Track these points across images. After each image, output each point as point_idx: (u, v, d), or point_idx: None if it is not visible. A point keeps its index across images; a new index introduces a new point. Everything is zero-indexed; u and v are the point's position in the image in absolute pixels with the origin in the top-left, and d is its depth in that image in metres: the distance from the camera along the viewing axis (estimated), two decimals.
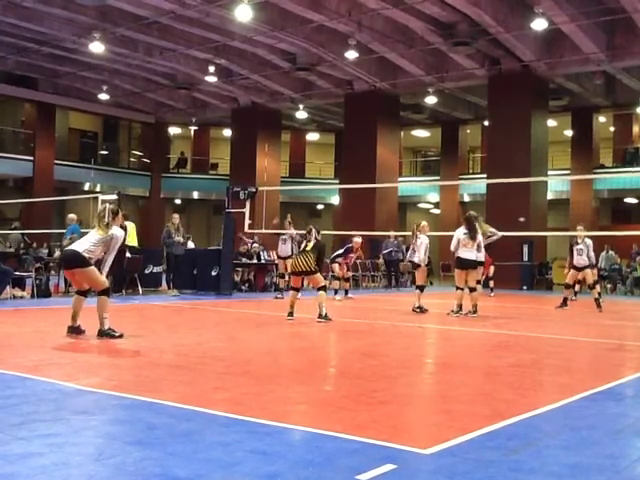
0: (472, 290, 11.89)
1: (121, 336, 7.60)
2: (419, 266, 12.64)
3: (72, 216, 16.51)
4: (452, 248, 12.04)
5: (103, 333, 7.60)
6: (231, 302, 14.05)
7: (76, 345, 7.29)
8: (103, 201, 14.37)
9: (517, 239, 21.41)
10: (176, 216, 16.50)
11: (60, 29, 21.81)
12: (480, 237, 12.06)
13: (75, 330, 7.76)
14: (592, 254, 13.64)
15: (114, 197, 18.09)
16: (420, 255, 12.51)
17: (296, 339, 8.73)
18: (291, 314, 10.35)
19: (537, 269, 23.49)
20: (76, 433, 3.84)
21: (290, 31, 20.79)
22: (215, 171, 35.67)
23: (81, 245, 7.71)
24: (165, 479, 3.12)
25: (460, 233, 11.96)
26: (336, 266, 16.27)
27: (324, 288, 10.65)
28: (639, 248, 22.94)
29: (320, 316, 10.21)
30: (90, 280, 7.74)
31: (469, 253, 11.84)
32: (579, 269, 13.66)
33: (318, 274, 10.51)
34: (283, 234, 15.38)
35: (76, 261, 7.62)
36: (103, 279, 7.73)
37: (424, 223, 12.82)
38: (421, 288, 12.50)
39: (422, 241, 12.51)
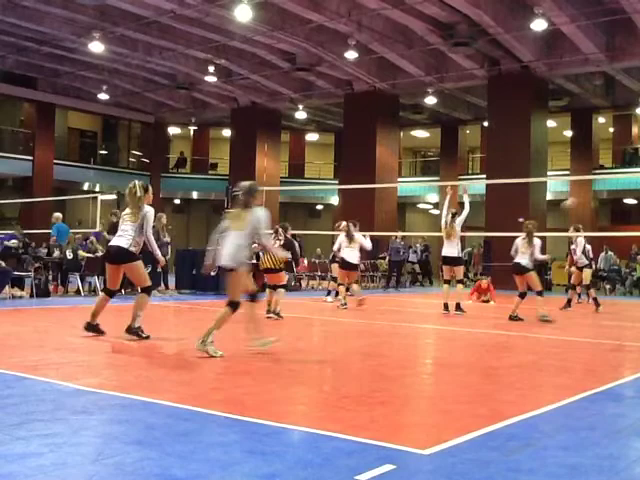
0: (460, 282, 12.41)
1: (148, 337, 7.54)
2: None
3: (57, 215, 16.50)
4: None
5: (132, 330, 7.55)
6: None
7: (75, 345, 7.29)
8: (102, 200, 14.39)
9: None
10: (162, 215, 16.26)
11: (60, 28, 21.79)
12: (457, 230, 12.42)
13: (93, 328, 7.69)
14: (579, 252, 13.69)
15: (113, 197, 18.07)
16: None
17: (295, 339, 8.72)
18: (269, 311, 10.54)
19: (536, 269, 23.44)
20: (75, 433, 3.84)
21: (290, 31, 20.78)
22: (214, 171, 35.66)
23: (122, 240, 7.57)
24: (164, 479, 3.12)
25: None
26: (335, 266, 16.05)
27: (284, 287, 10.85)
28: (638, 249, 22.94)
29: (270, 311, 10.48)
30: (136, 275, 7.73)
31: (451, 249, 12.21)
32: (580, 268, 13.76)
33: (282, 273, 10.65)
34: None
35: (123, 256, 7.53)
36: (147, 276, 7.71)
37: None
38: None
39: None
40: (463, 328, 10.30)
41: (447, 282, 12.60)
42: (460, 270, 12.54)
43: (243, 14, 18.23)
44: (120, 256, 7.56)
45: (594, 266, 16.87)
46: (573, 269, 14.41)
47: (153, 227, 16.20)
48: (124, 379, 5.51)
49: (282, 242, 10.76)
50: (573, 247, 13.78)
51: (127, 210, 7.76)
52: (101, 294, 7.96)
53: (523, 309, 11.20)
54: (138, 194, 7.69)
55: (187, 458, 3.40)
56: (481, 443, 3.82)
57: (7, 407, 4.37)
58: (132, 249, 7.52)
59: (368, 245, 13.41)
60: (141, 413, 4.35)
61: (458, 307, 12.09)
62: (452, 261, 12.32)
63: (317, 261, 21.17)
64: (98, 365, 6.28)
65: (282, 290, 10.71)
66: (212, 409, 4.39)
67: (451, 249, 12.21)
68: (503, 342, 8.86)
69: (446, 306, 12.13)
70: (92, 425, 4.07)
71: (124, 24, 21.02)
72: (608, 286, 22.12)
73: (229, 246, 6.71)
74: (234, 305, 6.71)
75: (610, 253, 22.05)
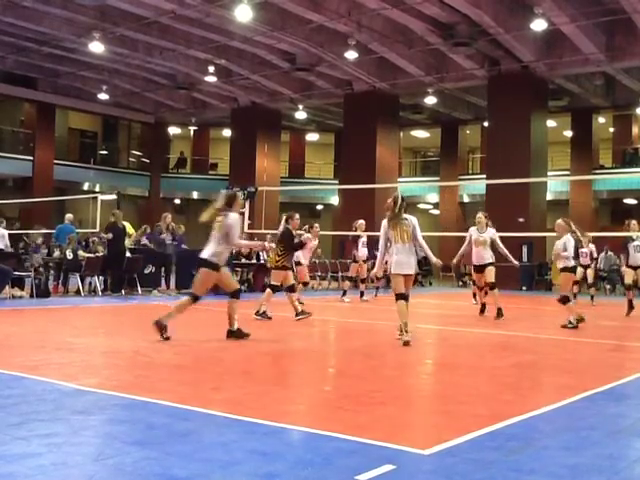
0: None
1: (248, 335, 7.78)
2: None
3: (69, 216, 16.49)
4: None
5: (232, 334, 7.76)
6: None
7: (75, 345, 7.28)
8: (102, 200, 14.39)
9: (516, 240, 21.40)
10: (167, 215, 16.23)
11: (60, 29, 21.80)
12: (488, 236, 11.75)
13: (235, 334, 7.85)
14: None
15: (113, 197, 18.07)
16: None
17: (295, 339, 8.71)
18: (297, 313, 10.36)
19: (536, 270, 23.49)
20: (75, 433, 3.83)
21: (290, 31, 20.79)
22: (215, 171, 35.65)
23: (205, 251, 7.82)
24: (164, 479, 3.11)
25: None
26: (354, 266, 15.72)
27: (272, 287, 10.52)
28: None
29: (257, 312, 10.34)
30: (197, 279, 7.89)
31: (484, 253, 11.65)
32: (635, 268, 13.19)
33: (277, 271, 10.48)
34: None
35: (199, 263, 7.85)
36: (233, 281, 8.02)
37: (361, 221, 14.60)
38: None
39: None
40: (463, 328, 10.29)
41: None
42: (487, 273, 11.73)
43: (243, 14, 18.24)
44: (200, 264, 7.85)
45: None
46: (624, 268, 13.70)
47: (157, 226, 16.24)
48: (124, 379, 5.50)
49: (280, 231, 10.73)
50: (637, 243, 12.90)
51: (217, 219, 7.93)
52: (230, 299, 8.07)
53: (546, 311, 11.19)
54: (217, 205, 7.96)
55: (187, 458, 3.40)
56: (481, 443, 3.82)
57: (7, 407, 4.37)
58: (212, 259, 7.74)
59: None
60: (141, 413, 4.35)
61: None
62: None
63: (317, 261, 21.17)
64: (98, 365, 6.28)
65: (268, 290, 10.51)
66: (212, 409, 4.39)
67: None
68: (503, 342, 8.86)
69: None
70: (92, 425, 4.06)
71: (124, 24, 21.03)
72: (608, 286, 22.12)
73: (404, 257, 8.03)
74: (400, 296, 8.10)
75: (610, 253, 22.02)
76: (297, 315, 10.30)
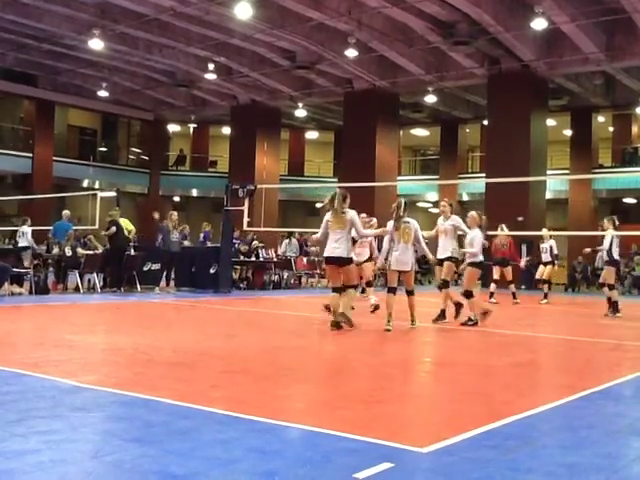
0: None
1: (351, 325, 8.79)
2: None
3: (66, 212, 16.51)
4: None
5: (335, 323, 8.75)
6: (229, 300, 14.04)
7: (74, 342, 7.28)
8: (101, 197, 14.30)
9: (516, 239, 21.39)
10: (173, 213, 16.32)
11: (60, 26, 21.79)
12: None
13: (337, 325, 8.79)
14: (615, 249, 12.47)
15: (113, 194, 18.07)
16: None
17: (294, 337, 8.72)
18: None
19: (536, 269, 23.45)
20: (74, 430, 3.84)
21: (290, 29, 20.78)
22: (214, 169, 35.65)
23: (339, 250, 8.76)
24: (163, 476, 3.12)
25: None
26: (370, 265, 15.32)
27: (354, 287, 9.69)
28: (637, 248, 22.94)
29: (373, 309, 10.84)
30: (348, 275, 8.91)
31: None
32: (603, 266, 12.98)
33: (354, 268, 9.63)
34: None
35: (343, 262, 8.82)
36: (355, 277, 9.17)
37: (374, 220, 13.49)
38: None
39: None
40: (462, 327, 10.28)
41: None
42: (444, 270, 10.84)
43: (243, 12, 18.24)
44: (340, 262, 8.84)
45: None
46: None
47: (164, 224, 16.31)
48: (123, 376, 5.50)
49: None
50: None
51: (332, 219, 8.93)
52: (331, 293, 9.12)
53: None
54: (343, 204, 8.96)
55: (186, 455, 3.40)
56: (479, 442, 3.82)
57: (6, 404, 4.37)
58: (350, 255, 8.90)
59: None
60: (140, 410, 4.35)
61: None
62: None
63: (316, 259, 21.19)
64: (97, 362, 6.28)
65: (351, 290, 9.39)
66: (211, 406, 4.39)
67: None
68: (502, 341, 8.87)
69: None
70: (91, 422, 4.07)
71: (124, 22, 21.03)
72: None
73: (402, 255, 9.22)
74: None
75: None
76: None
